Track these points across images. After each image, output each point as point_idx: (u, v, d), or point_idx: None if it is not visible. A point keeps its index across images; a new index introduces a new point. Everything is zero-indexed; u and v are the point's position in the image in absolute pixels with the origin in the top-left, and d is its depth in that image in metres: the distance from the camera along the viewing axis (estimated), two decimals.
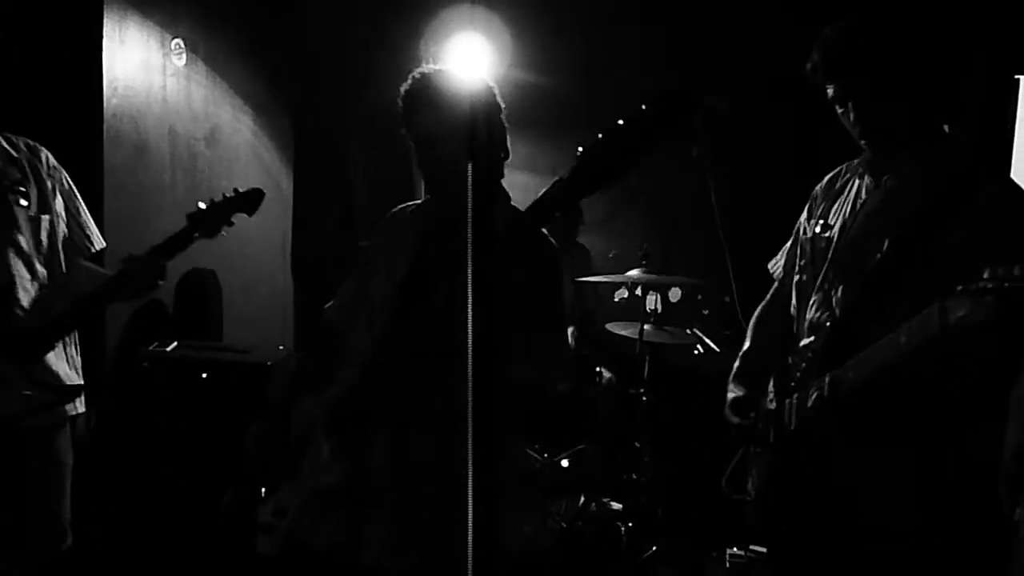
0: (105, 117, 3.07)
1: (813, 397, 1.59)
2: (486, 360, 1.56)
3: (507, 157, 1.80)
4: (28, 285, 2.05)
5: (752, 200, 3.74)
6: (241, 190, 2.13)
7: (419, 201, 1.95)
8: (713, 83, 4.06)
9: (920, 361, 1.41)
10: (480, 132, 1.67)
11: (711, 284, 4.06)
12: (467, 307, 1.57)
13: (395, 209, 1.98)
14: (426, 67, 1.78)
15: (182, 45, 3.47)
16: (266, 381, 3.11)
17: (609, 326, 3.70)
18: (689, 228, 3.96)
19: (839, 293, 1.64)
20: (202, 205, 2.09)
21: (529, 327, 1.60)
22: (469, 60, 3.98)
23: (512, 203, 1.78)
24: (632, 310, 3.99)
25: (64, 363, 2.12)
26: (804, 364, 1.67)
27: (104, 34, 3.02)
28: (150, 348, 3.15)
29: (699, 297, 4.35)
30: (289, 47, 4.21)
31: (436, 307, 1.64)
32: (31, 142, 2.13)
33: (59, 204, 2.15)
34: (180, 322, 3.54)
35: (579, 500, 3.41)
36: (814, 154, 2.05)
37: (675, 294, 4.27)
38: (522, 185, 1.90)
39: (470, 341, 1.45)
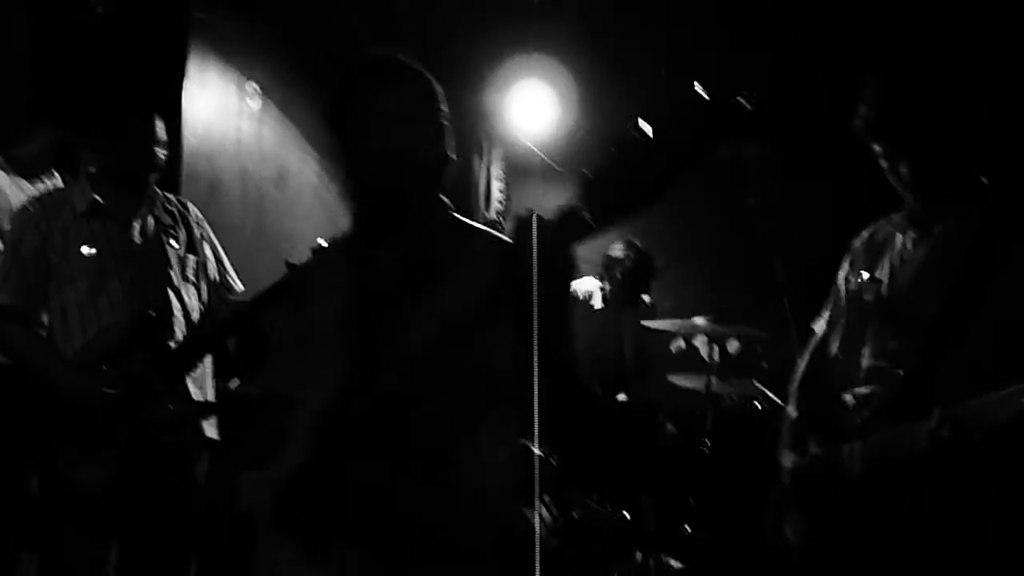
0: (183, 156, 3.15)
1: (932, 436, 1.53)
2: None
3: (446, 161, 1.46)
4: (179, 314, 2.30)
5: (811, 250, 3.71)
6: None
7: (340, 235, 1.61)
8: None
9: None
10: (406, 134, 1.39)
11: (772, 336, 4.02)
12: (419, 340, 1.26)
13: (317, 248, 1.72)
14: (363, 56, 1.48)
15: (258, 89, 3.57)
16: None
17: (671, 377, 3.65)
18: (743, 279, 3.93)
19: (898, 343, 1.65)
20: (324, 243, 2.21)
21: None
22: (533, 108, 4.04)
23: (452, 212, 1.51)
24: (687, 361, 3.93)
25: (199, 388, 2.35)
26: (868, 412, 1.67)
27: (187, 75, 3.12)
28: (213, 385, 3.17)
29: (758, 349, 4.29)
30: None
31: (405, 351, 1.32)
32: (180, 198, 2.47)
33: (207, 250, 2.44)
34: (238, 363, 3.57)
35: (635, 556, 3.32)
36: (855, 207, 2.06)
37: (733, 346, 4.22)
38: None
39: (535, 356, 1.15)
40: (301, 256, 2.18)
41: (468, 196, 4.44)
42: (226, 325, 2.38)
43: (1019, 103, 1.78)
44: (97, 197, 2.24)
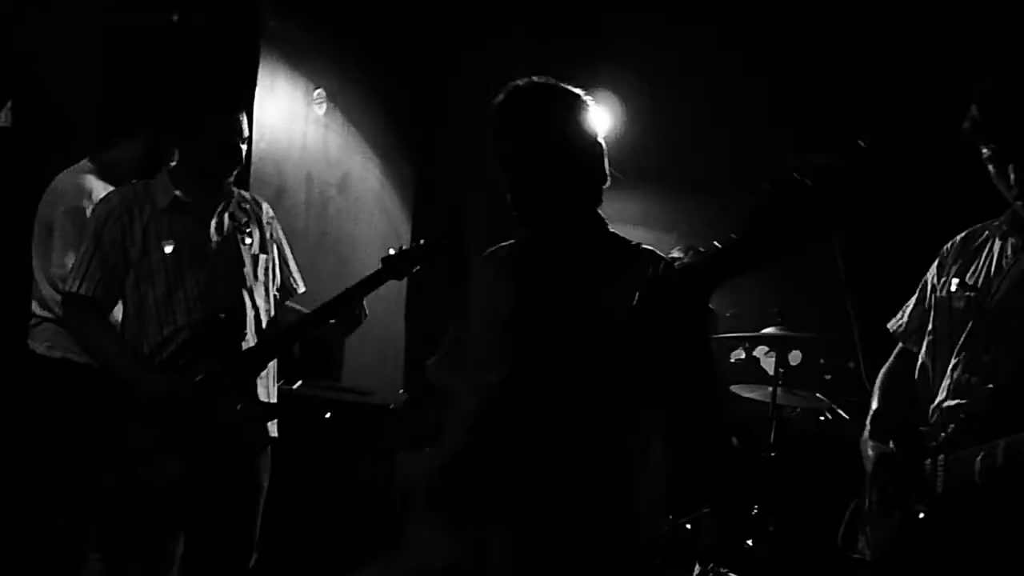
0: (253, 160, 3.21)
1: (981, 461, 1.51)
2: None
3: (605, 182, 1.55)
4: (250, 314, 2.32)
5: (874, 259, 3.62)
6: (424, 241, 2.38)
7: (512, 241, 1.70)
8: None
9: None
10: (575, 152, 1.51)
11: (834, 347, 3.92)
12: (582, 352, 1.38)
13: (486, 252, 1.75)
14: (521, 80, 1.54)
15: (323, 95, 3.63)
16: (386, 423, 3.13)
17: (734, 388, 3.58)
18: (807, 289, 3.85)
19: (992, 356, 1.60)
20: (392, 251, 2.36)
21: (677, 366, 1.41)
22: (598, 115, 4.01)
23: (611, 229, 1.59)
24: (748, 372, 3.86)
25: (264, 389, 2.37)
26: (953, 426, 1.62)
27: (258, 82, 3.19)
28: (278, 385, 3.23)
29: (821, 361, 4.19)
30: (417, 102, 4.35)
31: (551, 357, 1.42)
32: (255, 196, 2.49)
33: (275, 250, 2.44)
34: (305, 361, 3.62)
35: (694, 569, 3.26)
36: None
37: (795, 357, 4.13)
38: (639, 240, 1.66)
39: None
40: (362, 259, 2.25)
41: None
42: (292, 331, 2.40)
43: None
44: (178, 193, 2.25)
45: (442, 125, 4.43)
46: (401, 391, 3.53)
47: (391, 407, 3.15)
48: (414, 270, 2.38)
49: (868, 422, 1.85)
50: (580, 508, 1.45)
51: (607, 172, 1.55)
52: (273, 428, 2.39)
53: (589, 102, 1.54)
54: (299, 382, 3.29)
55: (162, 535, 2.21)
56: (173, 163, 2.35)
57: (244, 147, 2.32)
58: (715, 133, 4.21)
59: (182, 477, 2.15)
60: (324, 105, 3.67)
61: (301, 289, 2.52)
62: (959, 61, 3.29)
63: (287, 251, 2.50)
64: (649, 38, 4.07)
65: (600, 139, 1.54)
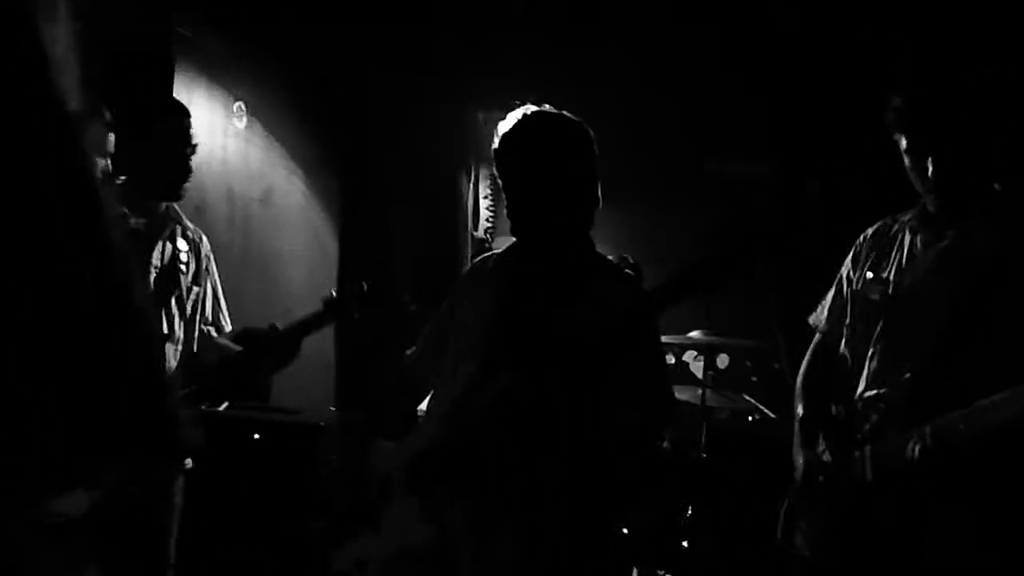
0: None
1: (915, 447, 1.54)
2: (576, 413, 1.58)
3: (598, 206, 1.74)
4: (169, 343, 2.23)
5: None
6: (368, 286, 2.31)
7: (499, 251, 1.90)
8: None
9: None
10: (575, 178, 1.71)
11: (760, 351, 4.03)
12: (556, 358, 1.60)
13: (477, 260, 1.94)
14: (527, 108, 1.73)
15: (243, 108, 3.54)
16: (317, 442, 3.06)
17: None
18: (731, 294, 3.94)
19: (908, 345, 1.64)
20: (334, 293, 2.31)
21: (631, 374, 1.62)
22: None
23: (595, 250, 1.77)
24: (678, 375, 3.92)
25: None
26: (876, 416, 1.65)
27: (174, 94, 3.08)
28: (203, 408, 3.11)
29: (747, 364, 4.29)
30: (340, 113, 4.29)
31: (528, 359, 1.59)
32: (197, 228, 2.39)
33: (208, 285, 2.37)
34: (231, 383, 3.50)
35: (632, 571, 3.29)
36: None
37: (723, 360, 4.22)
38: None
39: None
40: (288, 275, 2.20)
41: (456, 214, 4.42)
42: (220, 369, 2.34)
43: None
44: (126, 211, 2.09)
45: (366, 135, 4.37)
46: (332, 408, 3.45)
47: (322, 424, 3.07)
48: (353, 316, 2.33)
49: (797, 428, 1.87)
50: (547, 492, 1.57)
51: (599, 197, 1.72)
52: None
53: (588, 132, 1.71)
54: (225, 403, 3.18)
55: (67, 567, 2.11)
56: (122, 177, 2.15)
57: (192, 154, 2.19)
58: (636, 141, 4.28)
59: (89, 508, 2.06)
60: (245, 118, 3.58)
61: (227, 329, 2.45)
62: (866, 60, 3.43)
63: (219, 290, 2.44)
64: (565, 40, 4.11)
65: (595, 166, 1.71)
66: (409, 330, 4.32)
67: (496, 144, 1.73)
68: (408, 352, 1.96)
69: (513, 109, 1.75)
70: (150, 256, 2.16)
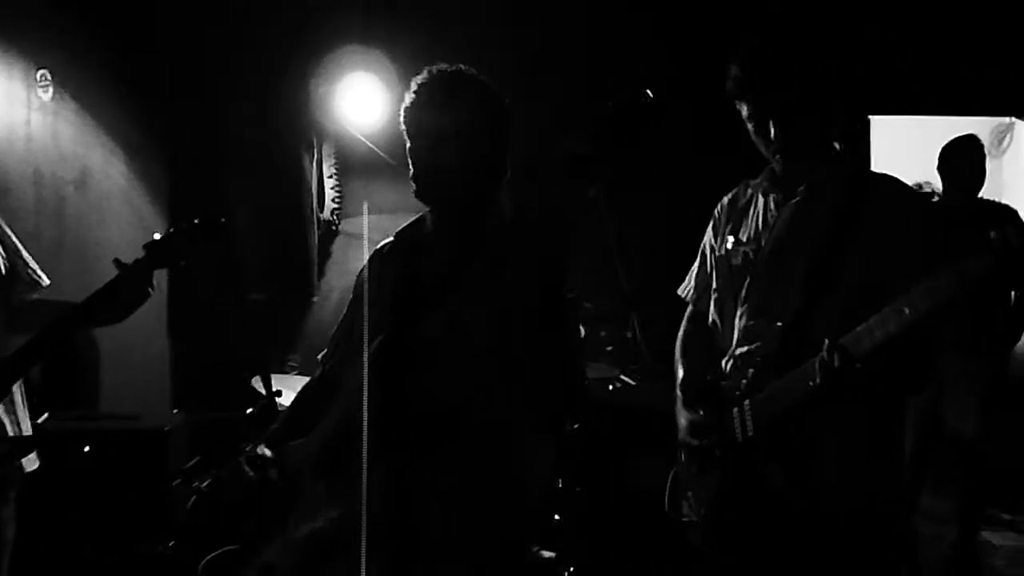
0: None
1: (820, 367, 1.56)
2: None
3: (505, 175, 1.72)
4: None
5: (647, 229, 3.84)
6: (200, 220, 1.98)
7: (401, 227, 1.83)
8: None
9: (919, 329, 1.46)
10: (476, 143, 1.67)
11: (614, 318, 4.10)
12: (464, 325, 1.52)
13: (380, 245, 1.87)
14: (444, 65, 1.69)
15: (48, 77, 3.12)
16: (165, 447, 2.76)
17: None
18: (581, 260, 3.98)
19: (774, 298, 1.71)
20: (157, 236, 1.98)
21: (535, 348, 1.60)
22: (361, 101, 3.83)
23: (506, 219, 1.72)
24: None
25: (12, 422, 1.99)
26: (752, 370, 1.71)
27: None
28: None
29: (602, 334, 4.36)
30: (166, 86, 3.88)
31: (429, 324, 1.59)
32: None
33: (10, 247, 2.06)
34: (49, 392, 3.09)
35: None
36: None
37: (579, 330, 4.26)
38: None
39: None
40: (109, 267, 1.91)
41: (300, 195, 4.15)
42: (51, 331, 1.95)
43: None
44: None
45: (196, 109, 3.97)
46: (176, 411, 3.13)
47: (166, 429, 2.77)
48: (183, 259, 2.00)
49: (678, 390, 1.91)
50: (434, 466, 1.58)
51: (507, 167, 1.70)
52: (32, 464, 2.04)
53: (502, 98, 1.70)
54: (45, 415, 2.80)
55: None
56: None
57: None
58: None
59: None
60: (50, 89, 3.15)
61: (45, 282, 2.13)
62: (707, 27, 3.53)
63: (16, 239, 2.11)
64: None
65: (504, 135, 1.69)
66: (252, 322, 4.04)
67: (407, 100, 1.69)
68: (319, 356, 1.88)
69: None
70: None
